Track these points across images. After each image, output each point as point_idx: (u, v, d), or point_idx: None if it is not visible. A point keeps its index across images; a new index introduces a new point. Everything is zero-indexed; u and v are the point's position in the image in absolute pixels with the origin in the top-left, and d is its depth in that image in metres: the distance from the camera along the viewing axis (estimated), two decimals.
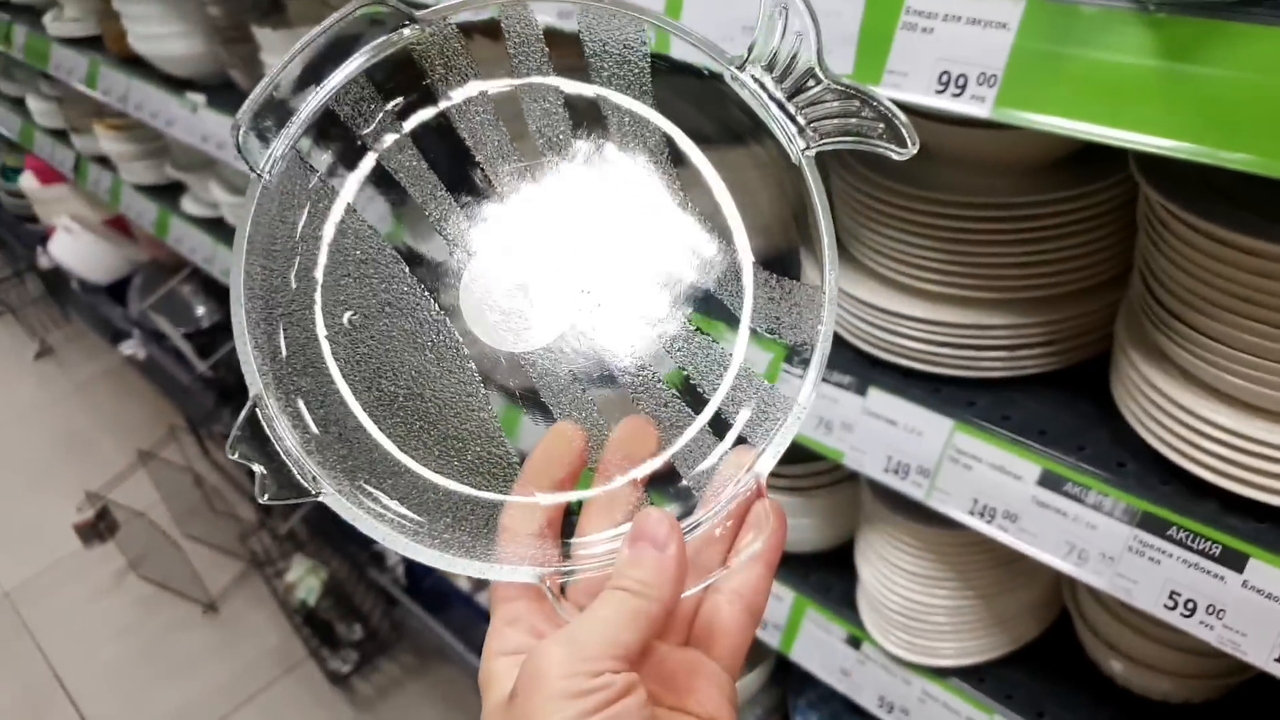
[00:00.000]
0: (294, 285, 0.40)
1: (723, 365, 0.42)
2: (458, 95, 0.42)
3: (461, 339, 0.41)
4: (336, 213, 0.41)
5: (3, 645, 2.09)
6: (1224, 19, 0.55)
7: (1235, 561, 0.71)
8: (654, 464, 0.42)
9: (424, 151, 0.42)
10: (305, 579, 1.81)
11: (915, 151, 0.38)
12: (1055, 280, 0.81)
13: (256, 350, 0.39)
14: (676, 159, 0.42)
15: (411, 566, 1.76)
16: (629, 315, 0.42)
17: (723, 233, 0.42)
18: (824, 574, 1.12)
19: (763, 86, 0.40)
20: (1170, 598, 0.74)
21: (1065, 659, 1.03)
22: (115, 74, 1.85)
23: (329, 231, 0.41)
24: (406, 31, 0.40)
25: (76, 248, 2.71)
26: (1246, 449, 0.70)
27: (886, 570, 0.99)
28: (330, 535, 1.94)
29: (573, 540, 0.41)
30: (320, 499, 0.37)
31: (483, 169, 0.42)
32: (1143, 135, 0.58)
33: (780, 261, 0.42)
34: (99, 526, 2.14)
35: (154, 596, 2.10)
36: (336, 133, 0.41)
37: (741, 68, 0.40)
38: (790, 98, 0.40)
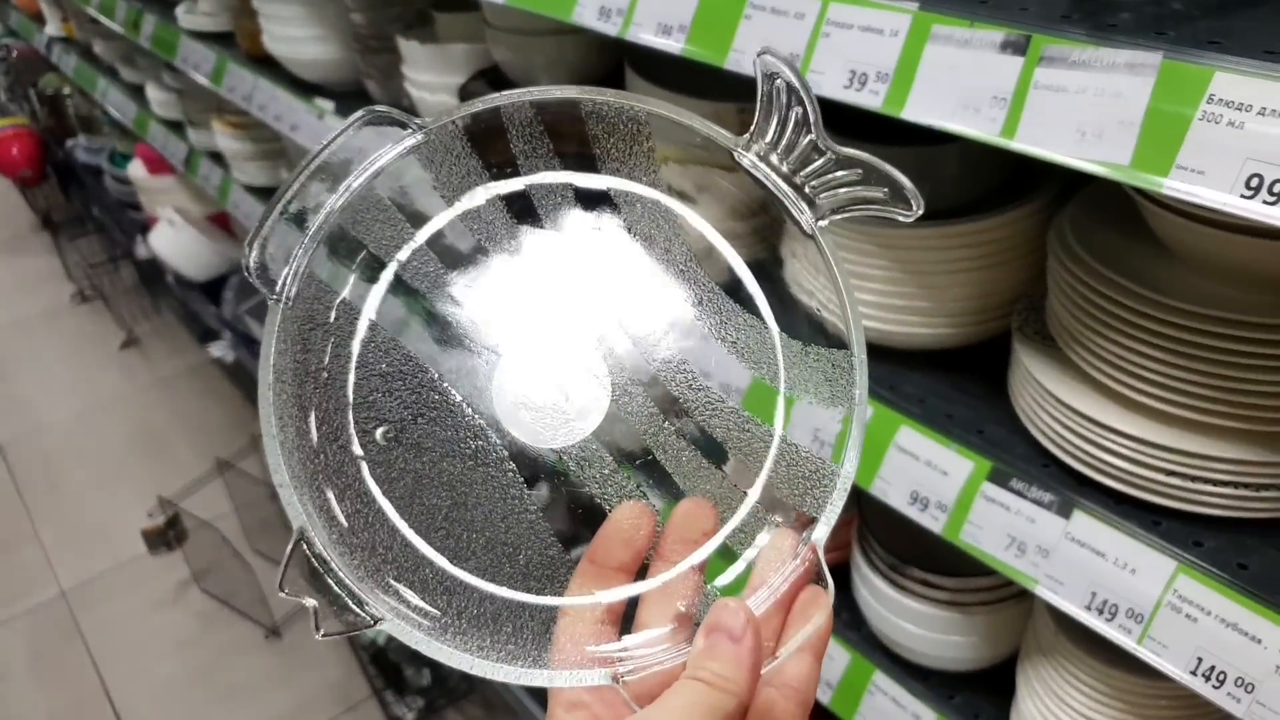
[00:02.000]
0: (325, 408, 0.40)
1: (765, 440, 0.42)
2: (466, 199, 0.42)
3: (499, 441, 0.41)
4: (359, 329, 0.41)
5: (52, 648, 2.04)
6: None
7: None
8: (712, 546, 0.41)
9: (440, 256, 0.42)
10: None
11: (920, 214, 0.39)
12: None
13: (294, 481, 0.37)
14: (694, 240, 0.43)
15: None
16: (664, 397, 0.42)
17: (749, 306, 0.43)
18: (972, 696, 1.01)
19: (768, 163, 0.41)
20: None
21: None
22: (243, 72, 1.84)
23: (354, 349, 0.41)
24: (409, 141, 0.41)
25: (177, 241, 2.71)
26: None
27: (1056, 706, 0.88)
28: None
29: (633, 636, 0.39)
30: (379, 627, 0.36)
31: (501, 267, 0.43)
32: None
33: (808, 330, 0.42)
34: (168, 534, 2.11)
35: (215, 613, 2.05)
36: (350, 246, 0.41)
37: (747, 146, 0.41)
38: (796, 171, 0.41)
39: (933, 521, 0.84)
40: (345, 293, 0.41)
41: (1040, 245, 0.85)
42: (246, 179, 2.16)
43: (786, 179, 0.41)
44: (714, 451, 0.42)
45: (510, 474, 0.41)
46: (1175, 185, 0.59)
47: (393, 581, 0.38)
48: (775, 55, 0.40)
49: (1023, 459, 0.82)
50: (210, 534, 2.01)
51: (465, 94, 1.21)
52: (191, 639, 2.01)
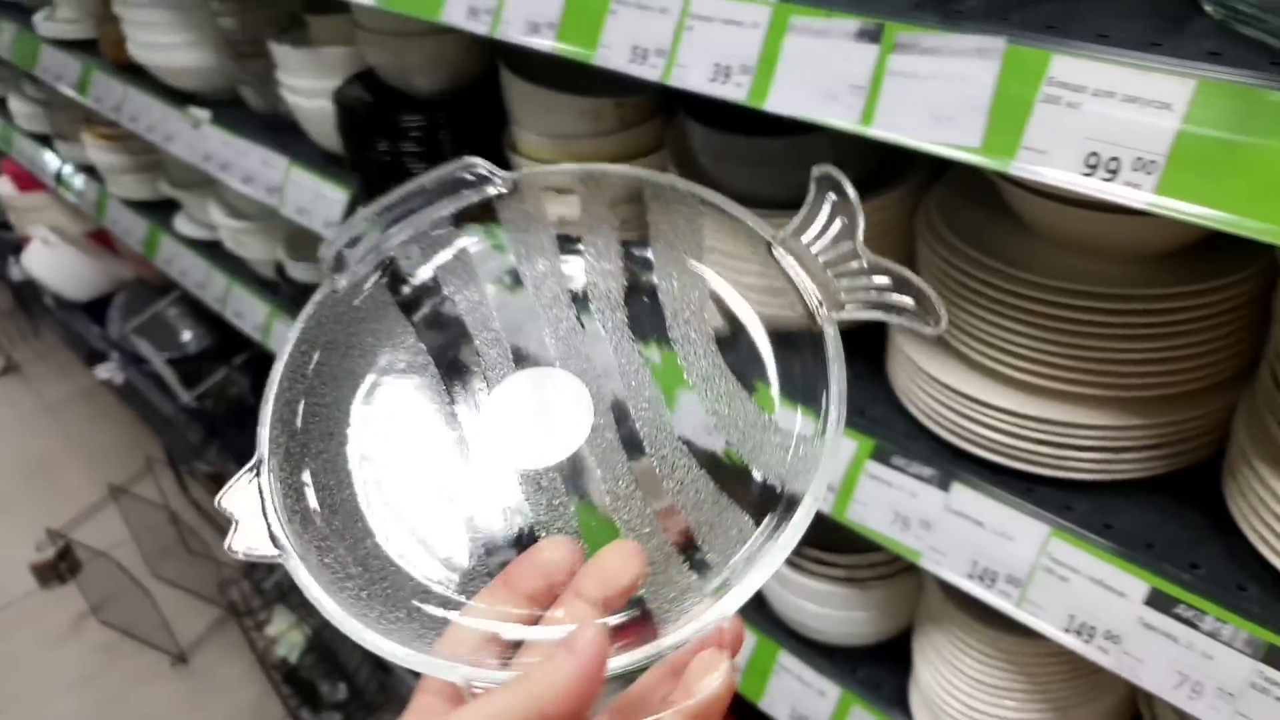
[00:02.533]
0: (336, 380, 0.44)
1: (714, 501, 0.42)
2: (527, 246, 0.47)
3: (467, 446, 0.44)
4: (390, 323, 0.46)
5: None
6: None
7: None
8: (621, 589, 0.40)
9: (481, 281, 0.47)
10: (288, 634, 1.70)
11: (944, 328, 0.40)
12: (1169, 379, 0.74)
13: (275, 423, 0.41)
14: (713, 314, 0.46)
15: None
16: (636, 448, 0.44)
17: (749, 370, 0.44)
18: (875, 668, 1.04)
19: (802, 257, 0.43)
20: None
21: None
22: (111, 81, 1.76)
23: (375, 336, 0.45)
24: (490, 190, 0.46)
25: (53, 260, 2.59)
26: None
27: (950, 674, 0.91)
28: None
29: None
30: (283, 560, 0.38)
31: (533, 302, 0.47)
32: None
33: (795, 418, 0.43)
34: (59, 567, 2.01)
35: (118, 644, 1.97)
36: (413, 260, 0.46)
37: (785, 242, 0.44)
38: (826, 268, 0.43)
39: (822, 503, 0.86)
40: (389, 293, 0.46)
41: (910, 228, 0.87)
42: (124, 193, 2.08)
43: (816, 275, 0.43)
44: (664, 507, 0.43)
45: (467, 478, 0.43)
46: (1022, 166, 0.61)
47: (321, 540, 0.40)
48: (833, 171, 0.43)
49: (903, 435, 0.85)
50: (106, 563, 1.93)
51: (341, 97, 1.19)
52: (93, 672, 1.93)
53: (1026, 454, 0.78)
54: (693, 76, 0.77)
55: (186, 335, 2.19)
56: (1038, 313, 0.74)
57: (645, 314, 0.46)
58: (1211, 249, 0.74)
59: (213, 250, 1.86)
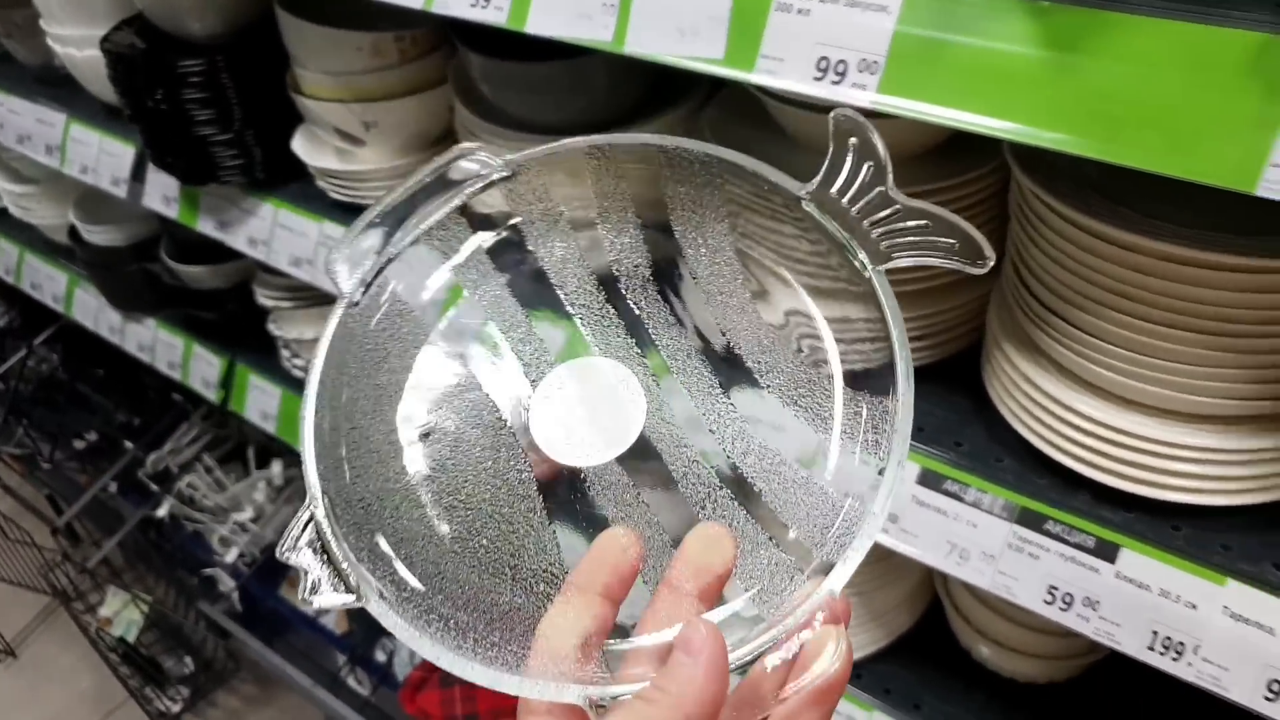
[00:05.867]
0: (367, 398, 0.42)
1: (793, 479, 0.40)
2: (540, 228, 0.45)
3: (525, 451, 0.42)
4: (414, 331, 0.43)
5: None
6: (1105, 9, 0.53)
7: (1108, 553, 0.71)
8: (716, 576, 0.38)
9: (504, 275, 0.45)
10: (123, 613, 1.64)
11: (993, 263, 0.38)
12: (926, 272, 0.79)
13: (320, 457, 0.38)
14: (750, 281, 0.44)
15: (248, 591, 1.61)
16: (699, 429, 0.42)
17: (808, 348, 0.42)
18: None
19: (835, 208, 0.41)
20: (1049, 593, 0.73)
21: (938, 648, 1.03)
22: None
23: (402, 349, 0.43)
24: (496, 172, 0.43)
25: None
26: (1116, 440, 0.70)
27: None
28: (152, 563, 1.76)
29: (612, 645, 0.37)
30: (366, 606, 0.36)
31: (559, 292, 0.44)
32: (1027, 127, 0.56)
33: (855, 377, 0.41)
34: None
35: None
36: (422, 258, 0.44)
37: (813, 194, 0.41)
38: (862, 219, 0.40)
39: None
40: (410, 301, 0.43)
41: None
42: None
43: (852, 225, 0.40)
44: (738, 488, 0.41)
45: (528, 483, 0.41)
46: (761, 74, 0.63)
47: (391, 572, 0.38)
48: (850, 113, 0.40)
49: None
50: None
51: (110, 45, 1.11)
52: None
53: None
54: (455, 3, 0.76)
55: None
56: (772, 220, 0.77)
57: (679, 288, 0.44)
58: (954, 150, 0.79)
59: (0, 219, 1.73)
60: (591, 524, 0.40)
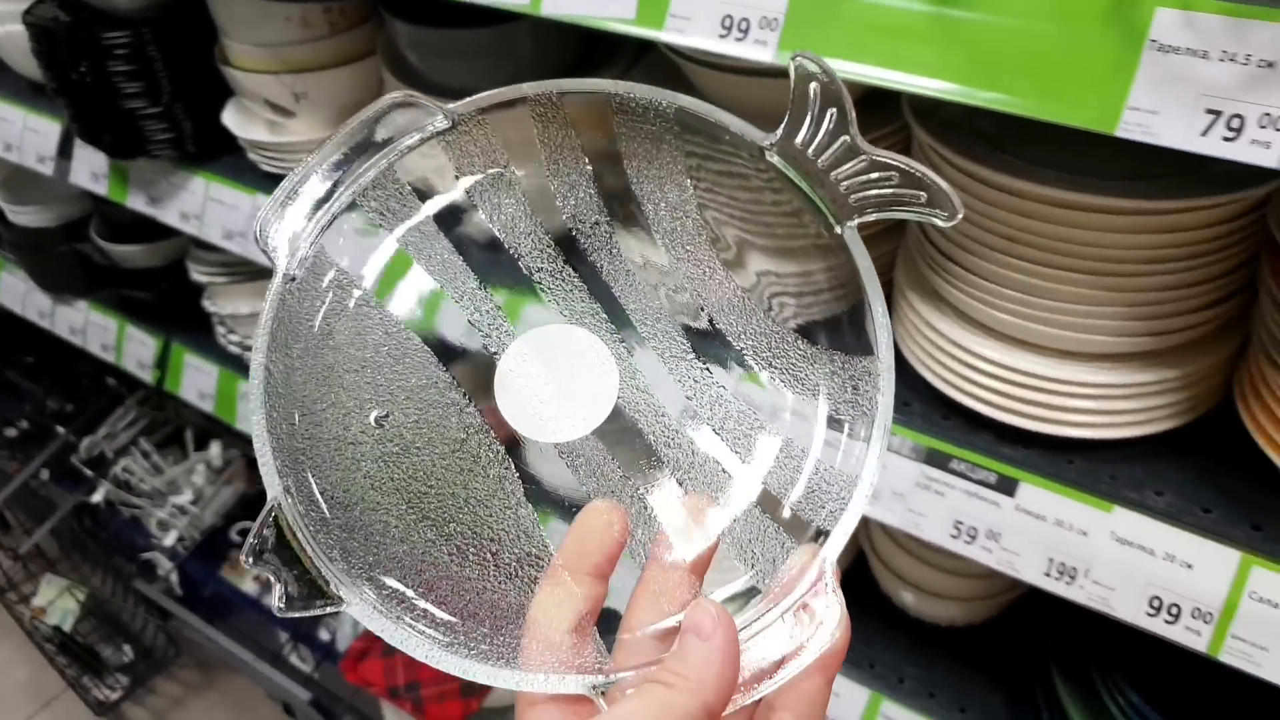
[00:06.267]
0: (317, 382, 0.39)
1: (774, 445, 0.39)
2: (487, 186, 0.42)
3: (493, 429, 0.40)
4: (361, 305, 0.40)
5: None
6: None
7: (1008, 488, 0.75)
8: (703, 546, 0.37)
9: (453, 241, 0.42)
10: (58, 602, 1.62)
11: (961, 217, 0.37)
12: None
13: (277, 453, 0.36)
14: (716, 239, 0.42)
15: (187, 573, 1.61)
16: (675, 395, 0.40)
17: (778, 306, 0.41)
18: None
19: (799, 161, 0.39)
20: (955, 527, 0.78)
21: (862, 595, 1.07)
22: None
23: (351, 325, 0.40)
24: (436, 124, 0.40)
25: None
26: (1015, 381, 0.74)
27: None
28: (88, 550, 1.74)
29: (619, 636, 0.36)
30: (345, 610, 0.34)
31: (514, 256, 0.42)
32: (915, 77, 0.60)
33: (830, 336, 0.40)
34: None
35: None
36: (361, 225, 0.40)
37: (776, 145, 0.39)
38: (828, 171, 0.39)
39: None
40: (347, 267, 0.40)
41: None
42: None
43: (817, 178, 0.39)
44: (722, 457, 0.40)
45: (505, 464, 0.39)
46: (670, 34, 0.66)
47: (367, 568, 0.36)
48: (811, 57, 0.38)
49: None
50: None
51: (32, 18, 1.11)
52: None
53: None
54: None
55: None
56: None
57: (640, 246, 0.42)
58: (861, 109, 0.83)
59: None
60: (573, 502, 0.39)
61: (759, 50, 0.63)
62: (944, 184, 0.37)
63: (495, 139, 0.41)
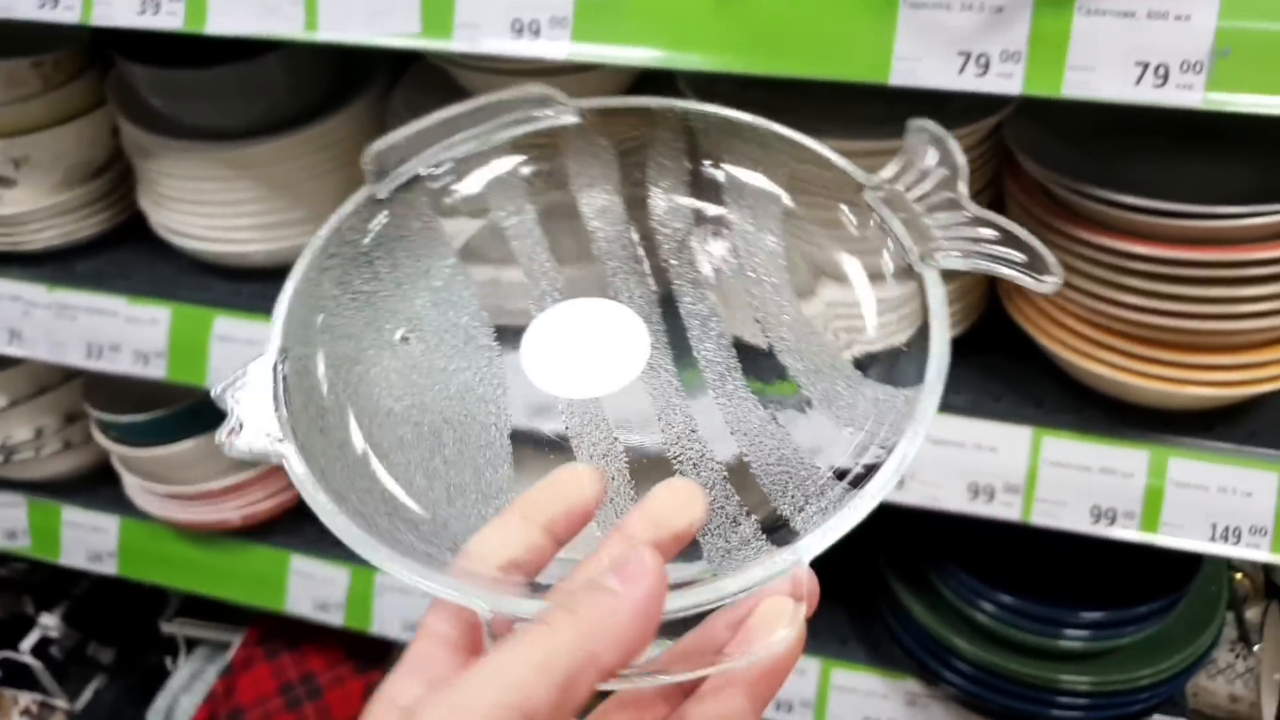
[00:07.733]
0: (358, 290, 0.41)
1: (781, 451, 0.38)
2: (587, 179, 0.45)
3: (506, 373, 0.41)
4: (426, 229, 0.43)
5: None
6: None
7: None
8: (675, 534, 0.35)
9: (540, 213, 0.45)
10: None
11: (1059, 283, 0.36)
12: None
13: (292, 321, 0.38)
14: (792, 266, 0.43)
15: None
16: (701, 391, 0.40)
17: (838, 334, 0.41)
18: None
19: (898, 201, 0.40)
20: None
21: None
22: None
23: (408, 248, 0.43)
24: (551, 113, 0.44)
25: None
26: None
27: None
28: None
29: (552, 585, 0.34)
30: (285, 454, 0.34)
31: (592, 241, 0.44)
32: (701, 56, 0.64)
33: (879, 364, 0.39)
34: None
35: None
36: (460, 176, 0.44)
37: (878, 186, 0.41)
38: (925, 215, 0.39)
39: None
40: (431, 209, 0.43)
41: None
42: None
43: (913, 219, 0.39)
44: (730, 458, 0.39)
45: (503, 409, 0.40)
46: (461, 43, 0.67)
47: (327, 448, 0.36)
48: (930, 124, 0.40)
49: None
50: None
51: None
52: None
53: None
54: (119, 13, 0.72)
55: None
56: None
57: (715, 253, 0.44)
58: (641, 87, 0.87)
59: None
60: (557, 458, 0.39)
61: (554, 47, 0.66)
62: (1042, 248, 0.36)
63: (607, 139, 0.45)
